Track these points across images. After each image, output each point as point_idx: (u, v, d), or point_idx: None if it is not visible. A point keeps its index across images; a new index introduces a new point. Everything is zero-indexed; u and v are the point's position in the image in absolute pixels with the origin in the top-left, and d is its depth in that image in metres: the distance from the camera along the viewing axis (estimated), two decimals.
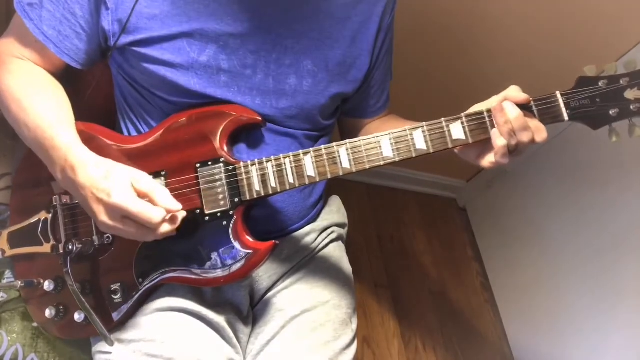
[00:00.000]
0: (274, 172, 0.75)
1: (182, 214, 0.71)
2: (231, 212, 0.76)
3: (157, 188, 0.69)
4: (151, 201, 0.68)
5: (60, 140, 0.71)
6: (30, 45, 0.77)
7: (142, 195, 0.67)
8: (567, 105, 0.72)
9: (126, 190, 0.66)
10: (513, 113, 0.71)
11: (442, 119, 0.73)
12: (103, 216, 0.67)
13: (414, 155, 0.73)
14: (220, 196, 0.76)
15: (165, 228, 0.69)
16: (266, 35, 0.79)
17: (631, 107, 0.71)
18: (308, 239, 0.96)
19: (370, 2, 0.85)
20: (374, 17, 0.86)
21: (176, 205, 0.69)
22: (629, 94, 0.71)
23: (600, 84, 0.72)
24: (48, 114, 0.74)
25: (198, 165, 0.77)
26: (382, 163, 0.74)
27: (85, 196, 0.68)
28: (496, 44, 1.48)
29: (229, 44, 0.77)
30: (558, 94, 0.73)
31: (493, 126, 0.73)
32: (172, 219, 0.70)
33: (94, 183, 0.67)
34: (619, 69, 0.72)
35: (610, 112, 0.72)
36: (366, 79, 0.90)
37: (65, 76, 0.82)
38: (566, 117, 0.72)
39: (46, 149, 0.72)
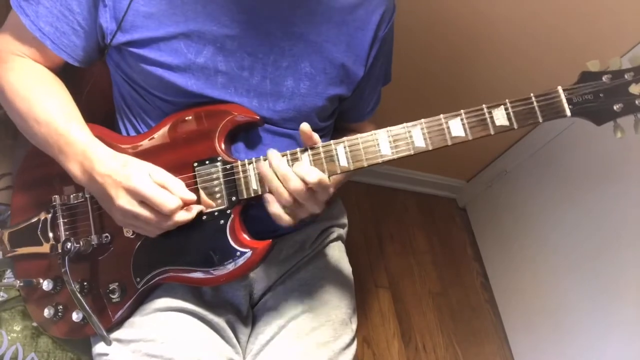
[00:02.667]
0: None
1: (197, 207, 0.74)
2: (228, 211, 0.76)
3: (173, 179, 0.72)
4: (167, 190, 0.71)
5: (76, 135, 0.73)
6: (28, 42, 0.77)
7: (158, 186, 0.71)
8: (569, 100, 0.71)
9: (145, 176, 0.70)
10: (274, 160, 0.72)
11: (441, 115, 0.73)
12: (121, 200, 0.69)
13: (412, 152, 0.73)
14: (218, 195, 0.76)
15: (182, 216, 0.72)
16: (264, 37, 0.79)
17: (636, 102, 0.70)
18: (307, 239, 0.96)
19: (368, 10, 0.85)
20: (371, 25, 0.85)
21: (191, 195, 0.73)
22: (634, 89, 0.70)
23: (604, 78, 0.71)
24: (58, 110, 0.75)
25: (196, 164, 0.77)
26: (380, 161, 0.73)
27: (103, 183, 0.70)
28: (497, 41, 1.48)
29: (226, 46, 0.77)
30: (560, 89, 0.72)
31: (493, 122, 0.72)
32: (188, 209, 0.73)
33: (113, 171, 0.70)
34: (624, 63, 0.71)
35: (615, 107, 0.71)
36: (358, 85, 0.90)
37: (63, 74, 0.82)
38: (568, 113, 0.71)
39: (59, 145, 0.73)
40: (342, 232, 1.05)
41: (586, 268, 1.52)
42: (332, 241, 1.00)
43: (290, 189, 0.70)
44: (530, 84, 1.54)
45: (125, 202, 0.69)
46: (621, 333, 1.39)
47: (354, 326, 0.93)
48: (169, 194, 0.70)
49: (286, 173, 0.70)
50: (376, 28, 0.86)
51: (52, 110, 0.74)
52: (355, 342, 0.91)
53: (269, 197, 0.72)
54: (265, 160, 0.74)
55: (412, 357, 1.66)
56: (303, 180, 0.69)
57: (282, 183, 0.70)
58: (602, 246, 1.48)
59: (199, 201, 0.76)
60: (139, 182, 0.69)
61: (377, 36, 0.87)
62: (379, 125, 0.78)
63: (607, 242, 1.46)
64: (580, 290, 1.53)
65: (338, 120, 0.97)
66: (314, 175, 0.69)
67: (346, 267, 1.00)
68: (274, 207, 0.72)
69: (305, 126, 0.72)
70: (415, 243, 1.96)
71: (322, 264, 0.95)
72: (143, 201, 0.70)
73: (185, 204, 0.73)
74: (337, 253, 1.00)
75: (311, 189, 0.70)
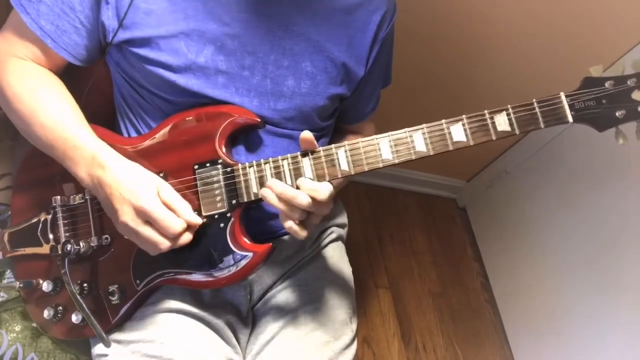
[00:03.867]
0: (271, 174, 0.74)
1: (198, 225, 0.74)
2: (229, 214, 0.75)
3: (180, 200, 0.72)
4: (173, 211, 0.70)
5: (84, 141, 0.72)
6: (29, 42, 0.76)
7: (164, 205, 0.70)
8: (571, 106, 0.70)
9: (154, 196, 0.69)
10: (277, 187, 0.71)
11: (443, 120, 0.72)
12: (126, 216, 0.69)
13: (413, 157, 0.72)
14: (218, 198, 0.76)
15: (185, 238, 0.72)
16: (264, 36, 0.78)
17: (639, 109, 0.70)
18: (307, 239, 0.96)
19: (369, 10, 0.85)
20: (371, 25, 0.85)
21: (196, 219, 0.72)
22: (637, 95, 0.69)
23: (606, 84, 0.70)
24: (64, 115, 0.74)
25: (196, 166, 0.77)
26: (381, 165, 0.73)
27: (110, 194, 0.69)
28: (498, 44, 1.48)
29: (227, 45, 0.77)
30: (562, 95, 0.71)
31: (495, 128, 0.72)
32: (190, 230, 0.72)
33: (121, 183, 0.69)
34: (627, 69, 0.71)
35: (617, 114, 0.70)
36: (358, 85, 0.90)
37: (63, 74, 0.81)
38: (570, 119, 0.71)
39: (65, 149, 0.72)
40: (342, 232, 1.05)
41: (586, 268, 1.52)
42: (332, 241, 1.00)
43: (301, 207, 0.70)
44: (530, 84, 1.54)
45: (129, 219, 0.69)
46: (621, 334, 1.39)
47: (354, 326, 0.93)
48: (174, 217, 0.69)
49: (292, 196, 0.70)
50: (377, 29, 0.86)
51: (57, 115, 0.74)
52: (355, 342, 0.92)
53: (282, 215, 0.72)
54: (266, 162, 0.74)
55: (412, 357, 1.66)
56: (312, 198, 0.69)
57: (290, 204, 0.70)
58: (602, 246, 1.48)
59: (198, 205, 0.76)
60: (147, 203, 0.68)
61: (377, 37, 0.87)
62: (380, 127, 0.77)
63: (607, 242, 1.46)
64: (580, 290, 1.53)
65: (337, 121, 0.97)
66: (325, 191, 0.70)
67: (346, 267, 1.00)
68: (289, 224, 0.72)
69: (306, 134, 0.72)
70: (415, 243, 1.96)
71: (322, 264, 0.95)
72: (148, 221, 0.69)
73: (189, 227, 0.72)
74: (337, 253, 1.00)
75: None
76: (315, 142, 0.73)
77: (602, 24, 1.39)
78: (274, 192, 0.71)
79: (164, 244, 0.70)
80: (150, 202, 0.68)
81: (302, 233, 0.72)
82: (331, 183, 0.73)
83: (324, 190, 0.70)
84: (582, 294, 1.53)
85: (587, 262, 1.52)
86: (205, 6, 0.75)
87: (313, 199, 0.70)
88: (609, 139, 0.73)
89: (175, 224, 0.69)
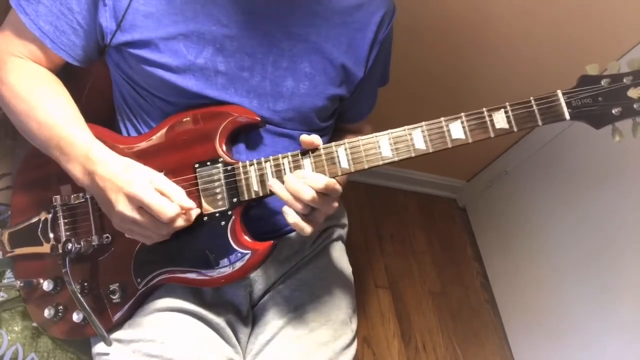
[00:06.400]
0: (272, 172, 0.75)
1: (196, 211, 0.74)
2: (229, 213, 0.76)
3: (173, 187, 0.72)
4: (167, 198, 0.71)
5: (79, 138, 0.73)
6: (28, 41, 0.77)
7: (158, 192, 0.70)
8: (568, 104, 0.71)
9: (146, 183, 0.69)
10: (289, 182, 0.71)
11: (442, 118, 0.73)
12: (120, 205, 0.69)
13: (413, 155, 0.73)
14: (219, 196, 0.76)
15: (180, 223, 0.72)
16: (262, 37, 0.79)
17: (634, 106, 0.70)
18: (307, 239, 0.96)
19: (368, 11, 0.85)
20: (371, 26, 0.85)
21: (190, 203, 0.72)
22: (633, 93, 0.70)
23: (602, 82, 0.71)
24: (60, 112, 0.75)
25: (197, 165, 0.77)
26: (381, 163, 0.73)
27: (104, 187, 0.70)
28: (497, 43, 1.48)
29: (226, 46, 0.77)
30: (559, 92, 0.72)
31: (493, 125, 0.72)
32: (187, 215, 0.73)
33: (114, 175, 0.70)
34: (622, 67, 0.72)
35: (613, 111, 0.71)
36: (358, 86, 0.90)
37: (62, 74, 0.82)
38: (567, 116, 0.71)
39: (61, 147, 0.73)
40: (342, 232, 1.06)
41: (586, 268, 1.52)
42: (332, 241, 1.00)
43: (305, 200, 0.70)
44: (529, 83, 1.55)
45: (124, 207, 0.69)
46: (621, 333, 1.39)
47: (354, 326, 0.94)
48: (168, 201, 0.70)
49: (298, 188, 0.70)
50: (376, 30, 0.86)
51: (53, 112, 0.74)
52: (355, 342, 0.92)
53: (286, 209, 0.72)
54: (266, 160, 0.74)
55: (412, 357, 1.66)
56: (312, 188, 0.70)
57: (294, 196, 0.71)
58: (602, 246, 1.48)
59: (199, 203, 0.76)
60: (139, 189, 0.68)
61: (377, 38, 0.87)
62: (380, 126, 0.78)
63: (606, 242, 1.47)
64: (580, 290, 1.53)
65: (335, 120, 0.97)
66: (321, 181, 0.70)
67: (346, 267, 1.00)
68: (293, 218, 0.72)
69: (305, 137, 0.72)
70: (415, 243, 1.96)
71: (322, 264, 0.96)
72: (142, 207, 0.69)
73: (186, 213, 0.72)
74: (337, 253, 1.00)
75: (323, 194, 0.71)
76: (316, 141, 0.73)
77: (602, 24, 1.39)
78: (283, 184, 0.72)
79: (160, 229, 0.71)
80: (142, 188, 0.68)
81: (307, 229, 0.72)
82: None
83: (320, 181, 0.70)
84: (581, 294, 1.53)
85: (587, 262, 1.52)
86: (203, 8, 0.76)
87: (323, 193, 0.70)
88: (607, 139, 0.73)
89: (169, 209, 0.69)
